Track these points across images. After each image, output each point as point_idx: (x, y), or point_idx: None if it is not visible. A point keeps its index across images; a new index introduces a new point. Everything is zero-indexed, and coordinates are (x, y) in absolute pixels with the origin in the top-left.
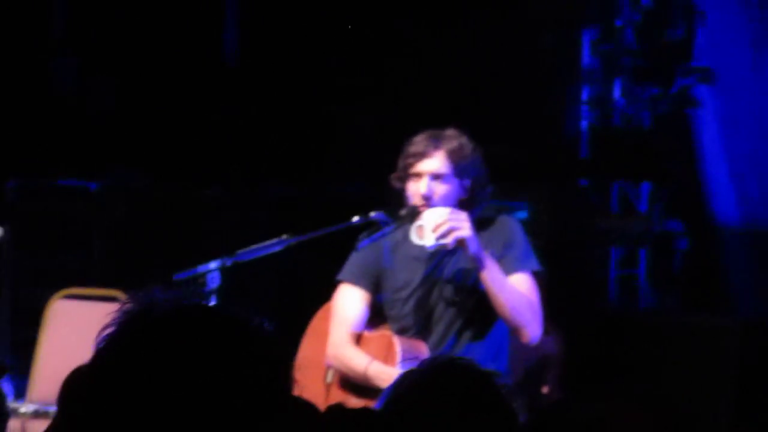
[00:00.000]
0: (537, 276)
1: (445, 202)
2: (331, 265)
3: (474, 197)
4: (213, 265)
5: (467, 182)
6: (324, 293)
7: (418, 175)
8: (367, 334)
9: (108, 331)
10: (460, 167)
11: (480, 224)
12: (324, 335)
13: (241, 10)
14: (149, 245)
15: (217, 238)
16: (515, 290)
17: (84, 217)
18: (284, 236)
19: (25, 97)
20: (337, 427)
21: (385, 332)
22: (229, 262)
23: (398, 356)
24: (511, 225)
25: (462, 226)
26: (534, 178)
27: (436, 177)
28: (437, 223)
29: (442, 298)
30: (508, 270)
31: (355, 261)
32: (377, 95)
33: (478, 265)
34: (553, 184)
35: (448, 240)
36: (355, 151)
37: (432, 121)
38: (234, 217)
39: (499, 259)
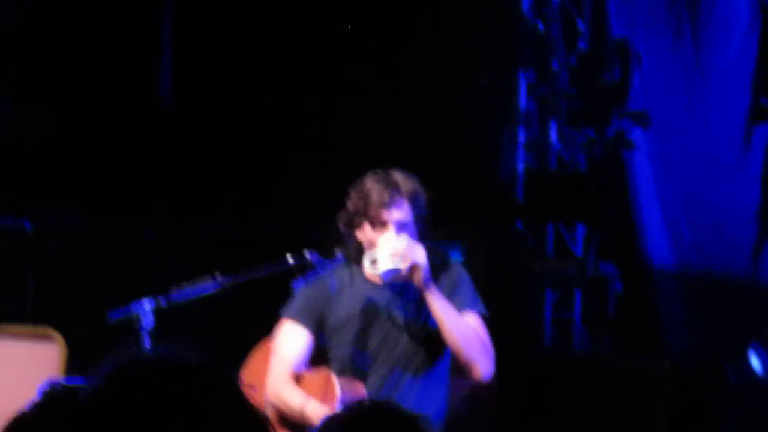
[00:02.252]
0: (484, 319)
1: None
2: (265, 304)
3: (422, 234)
4: (147, 304)
5: (420, 224)
6: (258, 332)
7: (384, 224)
8: (306, 373)
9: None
10: (417, 211)
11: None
12: (260, 373)
13: (176, 51)
14: (83, 284)
15: (151, 276)
16: (467, 324)
17: (18, 255)
18: (218, 276)
19: None
20: None
21: (324, 372)
22: (163, 302)
23: (337, 395)
24: (458, 268)
25: (419, 253)
26: (469, 220)
27: (401, 226)
28: (396, 248)
29: (385, 338)
30: (459, 309)
31: (300, 299)
32: (310, 136)
33: (430, 295)
34: (488, 226)
35: (405, 265)
36: (289, 191)
37: (367, 161)
38: (168, 256)
39: (449, 298)
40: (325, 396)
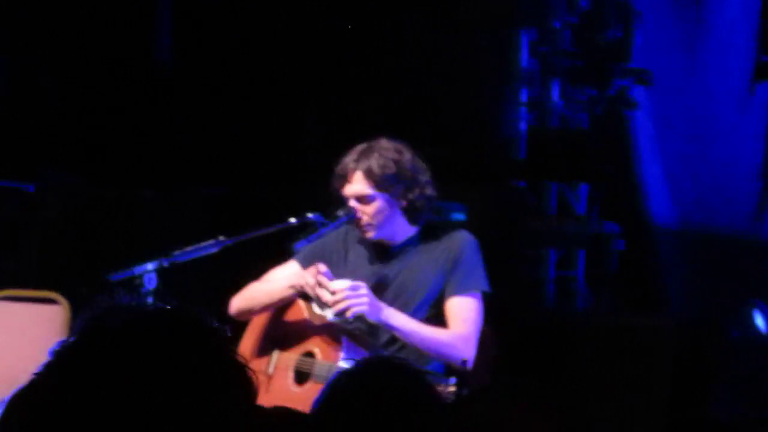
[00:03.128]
0: (485, 296)
1: (378, 219)
2: (268, 265)
3: (415, 206)
4: (149, 266)
5: (398, 192)
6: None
7: (346, 197)
8: (312, 325)
9: (66, 343)
10: (383, 183)
11: (430, 237)
12: (262, 331)
13: (175, 12)
14: (85, 247)
15: (153, 239)
16: (433, 338)
17: (18, 218)
18: (220, 237)
19: None
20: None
21: (328, 326)
22: (165, 263)
23: (342, 347)
24: (462, 243)
25: (359, 301)
26: (471, 179)
27: (359, 199)
28: (334, 300)
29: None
30: (452, 292)
31: (311, 247)
32: (312, 97)
33: (386, 323)
34: (490, 185)
35: (347, 315)
36: (290, 152)
37: (369, 122)
38: (170, 218)
39: (446, 278)
40: (327, 346)
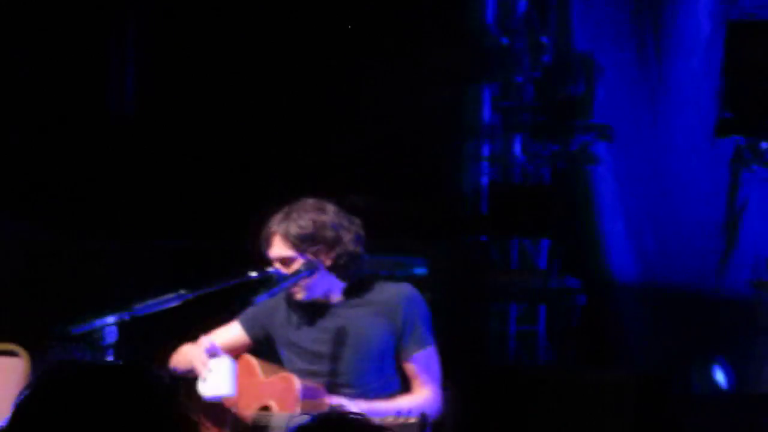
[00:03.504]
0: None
1: (307, 280)
2: (228, 318)
3: (339, 264)
4: (110, 319)
5: (319, 252)
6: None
7: (271, 260)
8: (263, 379)
9: (24, 393)
10: (302, 244)
11: (368, 290)
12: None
13: (136, 62)
14: (45, 299)
15: (114, 291)
16: (395, 408)
17: None
18: (181, 291)
19: None
20: None
21: (284, 374)
22: (126, 316)
23: (298, 392)
24: (408, 299)
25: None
26: (434, 233)
27: (282, 261)
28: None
29: (340, 358)
30: (409, 353)
31: (255, 309)
32: (271, 150)
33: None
34: (452, 239)
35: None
36: (252, 205)
37: (330, 176)
38: (131, 270)
39: (398, 336)
40: (283, 396)
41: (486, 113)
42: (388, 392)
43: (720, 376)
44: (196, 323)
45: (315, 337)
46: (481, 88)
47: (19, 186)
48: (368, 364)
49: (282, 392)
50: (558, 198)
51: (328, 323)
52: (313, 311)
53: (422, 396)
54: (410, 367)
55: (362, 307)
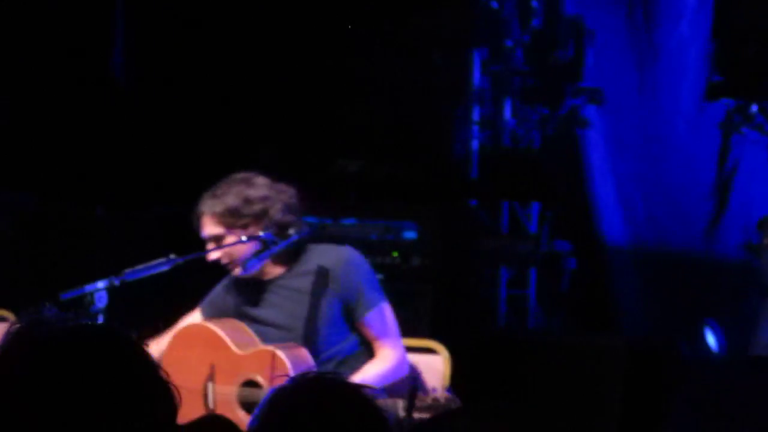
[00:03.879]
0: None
1: (237, 255)
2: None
3: (274, 228)
4: (100, 284)
5: (247, 225)
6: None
7: (205, 242)
8: (241, 353)
9: None
10: (229, 220)
11: (303, 259)
12: (180, 363)
13: (129, 27)
14: (36, 265)
15: (105, 257)
16: (375, 377)
17: None
18: (171, 256)
19: None
20: None
21: (264, 349)
22: (116, 282)
23: (289, 368)
24: (346, 262)
25: None
26: (423, 198)
27: (216, 240)
28: None
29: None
30: (361, 314)
31: (212, 295)
32: (263, 115)
33: None
34: (442, 204)
35: None
36: (243, 170)
37: (321, 141)
38: (121, 236)
39: (345, 302)
40: (274, 372)
41: (476, 77)
42: (351, 356)
43: (711, 339)
44: (185, 289)
45: (269, 311)
46: (471, 53)
47: (10, 154)
48: (323, 331)
49: (269, 367)
50: (548, 162)
51: (276, 296)
52: (259, 285)
53: (386, 359)
54: (365, 330)
55: (303, 276)
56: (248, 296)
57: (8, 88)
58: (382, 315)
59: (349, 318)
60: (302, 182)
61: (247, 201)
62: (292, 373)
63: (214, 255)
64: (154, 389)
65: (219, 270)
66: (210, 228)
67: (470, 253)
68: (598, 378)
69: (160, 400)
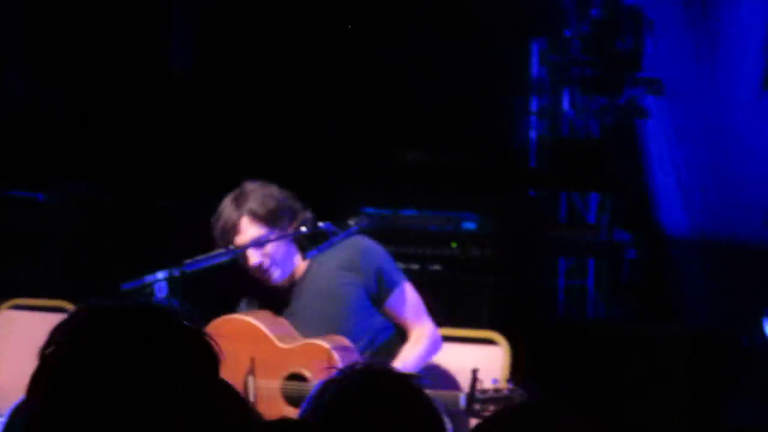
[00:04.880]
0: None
1: (279, 256)
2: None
3: (302, 227)
4: (160, 275)
5: (286, 223)
6: None
7: (242, 248)
8: (284, 346)
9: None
10: (271, 219)
11: (330, 259)
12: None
13: (192, 19)
14: (98, 255)
15: (166, 247)
16: (415, 359)
17: (33, 227)
18: (231, 246)
19: None
20: None
21: (318, 345)
22: (176, 272)
23: (338, 361)
24: (363, 250)
25: None
26: (483, 188)
27: (257, 244)
28: None
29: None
30: (384, 298)
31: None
32: (328, 105)
33: None
34: (502, 194)
35: None
36: (304, 162)
37: (383, 131)
38: (182, 227)
39: (368, 289)
40: (319, 364)
41: (534, 68)
42: (386, 342)
43: None
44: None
45: (298, 312)
46: (529, 43)
47: (73, 144)
48: (354, 321)
49: (317, 361)
50: (607, 152)
51: (302, 296)
52: (283, 290)
53: (420, 339)
54: (391, 312)
55: (327, 272)
56: (274, 303)
57: (71, 81)
58: (404, 295)
59: (375, 303)
60: (362, 172)
61: (280, 201)
62: (340, 365)
63: (256, 258)
64: (194, 348)
65: None
66: (251, 231)
67: (529, 244)
68: (658, 367)
69: (201, 358)
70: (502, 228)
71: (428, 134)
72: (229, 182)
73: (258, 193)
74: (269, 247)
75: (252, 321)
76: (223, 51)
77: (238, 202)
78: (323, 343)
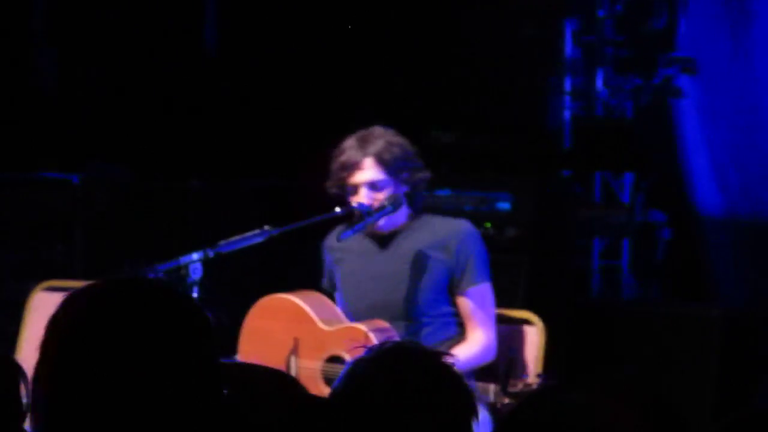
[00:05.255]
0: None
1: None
2: (313, 255)
3: (417, 190)
4: (195, 256)
5: (405, 175)
6: (305, 283)
7: (355, 187)
8: (327, 328)
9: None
10: (392, 167)
11: (427, 223)
12: (262, 334)
13: (225, 2)
14: (131, 237)
15: (200, 229)
16: (467, 361)
17: (66, 209)
18: (266, 227)
19: (6, 89)
20: (300, 416)
21: (356, 330)
22: (211, 253)
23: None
24: (467, 236)
25: None
26: (517, 168)
27: (372, 186)
28: None
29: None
30: (464, 287)
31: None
32: (357, 86)
33: None
34: (536, 174)
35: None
36: (337, 141)
37: (414, 112)
38: (216, 208)
39: (453, 271)
40: (359, 348)
41: (568, 48)
42: (444, 337)
43: None
44: (280, 260)
45: (378, 263)
46: (562, 23)
47: (105, 127)
48: (425, 295)
49: (355, 344)
50: (641, 132)
51: (391, 252)
52: (373, 241)
53: (475, 343)
54: (464, 303)
55: (421, 239)
56: (366, 247)
57: (103, 62)
58: (484, 295)
59: (452, 290)
60: None
61: (405, 151)
62: None
63: (368, 200)
64: (194, 326)
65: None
66: (372, 172)
67: (564, 224)
68: (693, 348)
69: (201, 335)
70: (537, 208)
71: (463, 115)
72: (261, 164)
73: (385, 138)
74: (383, 193)
75: (298, 301)
76: (256, 34)
77: (365, 143)
78: (361, 327)
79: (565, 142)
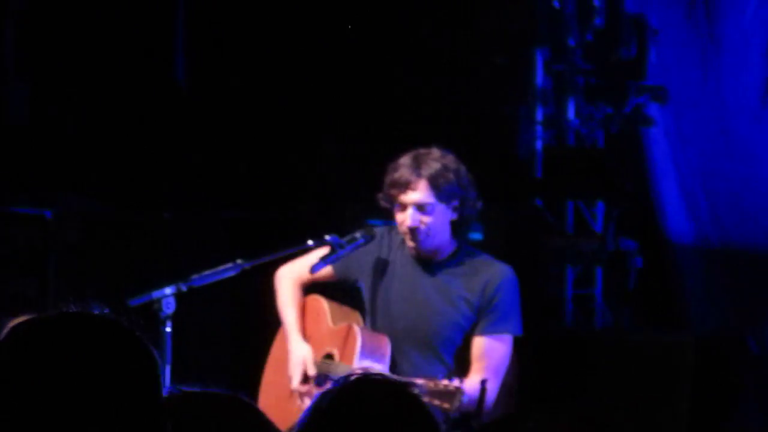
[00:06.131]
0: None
1: (433, 229)
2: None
3: (463, 220)
4: (168, 290)
5: (455, 203)
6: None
7: (403, 205)
8: (332, 327)
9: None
10: (444, 193)
11: (471, 260)
12: (285, 359)
13: (191, 34)
14: (104, 271)
15: (172, 262)
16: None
17: (38, 244)
18: (239, 260)
19: None
20: None
21: (347, 325)
22: (183, 287)
23: (357, 350)
24: (504, 281)
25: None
26: (489, 197)
27: (420, 207)
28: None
29: (412, 319)
30: (482, 331)
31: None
32: (331, 117)
33: None
34: (507, 203)
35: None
36: (308, 174)
37: (384, 144)
38: (188, 241)
39: (480, 313)
40: (345, 347)
41: (539, 77)
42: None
43: None
44: (253, 293)
45: (416, 292)
46: (533, 52)
47: (75, 160)
48: (446, 332)
49: (345, 343)
50: (612, 160)
51: (425, 279)
52: (415, 264)
53: (473, 381)
54: (478, 344)
55: (463, 276)
56: (400, 269)
57: (73, 95)
58: (502, 345)
59: (473, 331)
60: (367, 183)
61: (460, 179)
62: (358, 356)
63: (414, 221)
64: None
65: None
66: (423, 194)
67: (536, 253)
68: (666, 375)
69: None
70: (509, 237)
71: (432, 143)
72: (233, 196)
73: (442, 163)
74: (430, 217)
75: (321, 298)
76: (226, 63)
77: (421, 163)
78: (354, 327)
79: (538, 172)
